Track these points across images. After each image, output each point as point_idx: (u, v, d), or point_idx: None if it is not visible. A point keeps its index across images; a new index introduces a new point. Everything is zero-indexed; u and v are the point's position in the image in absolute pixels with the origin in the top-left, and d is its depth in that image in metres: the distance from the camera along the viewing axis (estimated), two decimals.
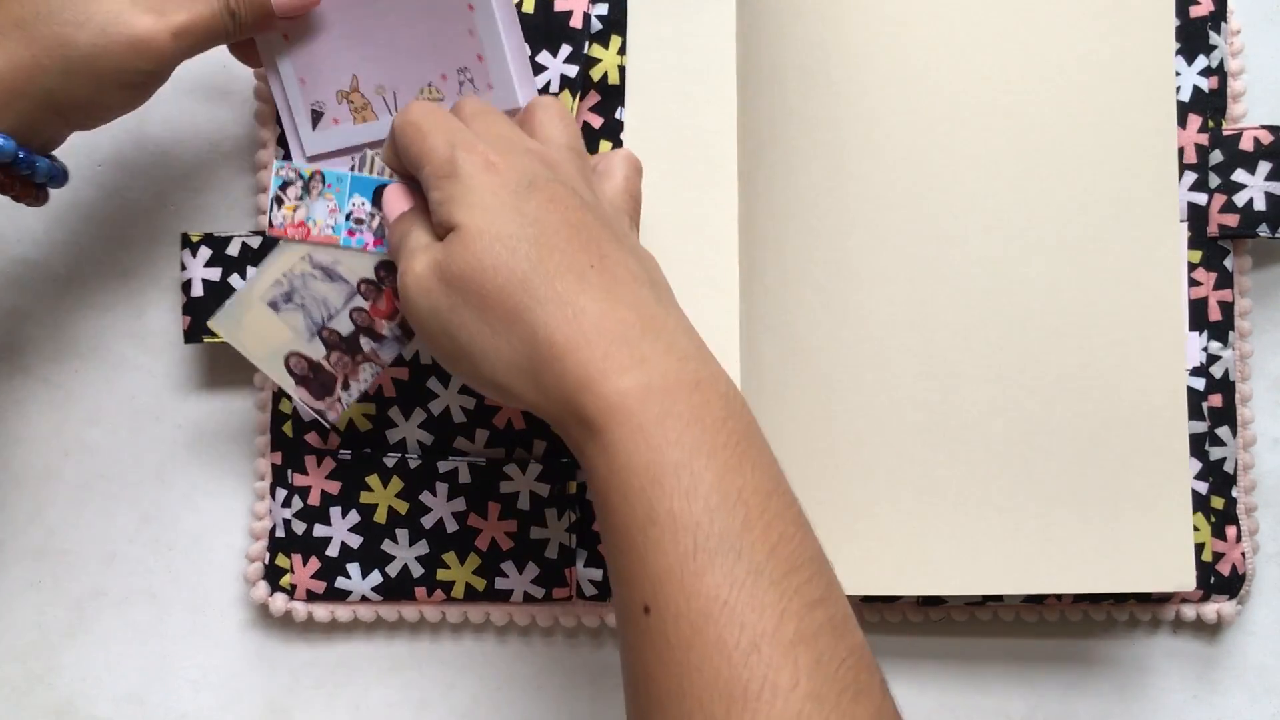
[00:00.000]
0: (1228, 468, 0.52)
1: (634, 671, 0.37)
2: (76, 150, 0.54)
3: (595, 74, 0.52)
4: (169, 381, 0.54)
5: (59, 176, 0.47)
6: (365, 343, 0.47)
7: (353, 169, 0.47)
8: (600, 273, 0.41)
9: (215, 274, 0.52)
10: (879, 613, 0.52)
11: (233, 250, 0.52)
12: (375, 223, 0.47)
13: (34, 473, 0.53)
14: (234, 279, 0.52)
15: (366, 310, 0.47)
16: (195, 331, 0.52)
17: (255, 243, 0.52)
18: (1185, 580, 0.48)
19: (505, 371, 0.40)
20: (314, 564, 0.51)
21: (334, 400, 0.47)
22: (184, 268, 0.52)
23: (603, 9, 0.52)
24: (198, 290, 0.52)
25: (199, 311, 0.51)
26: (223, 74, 0.55)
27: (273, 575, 0.52)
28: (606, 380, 0.38)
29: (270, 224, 0.47)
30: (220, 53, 0.54)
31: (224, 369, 0.54)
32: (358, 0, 0.48)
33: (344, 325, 0.47)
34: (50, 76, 0.44)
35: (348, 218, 0.47)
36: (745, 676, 0.34)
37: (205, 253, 0.52)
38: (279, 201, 0.47)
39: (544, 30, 0.51)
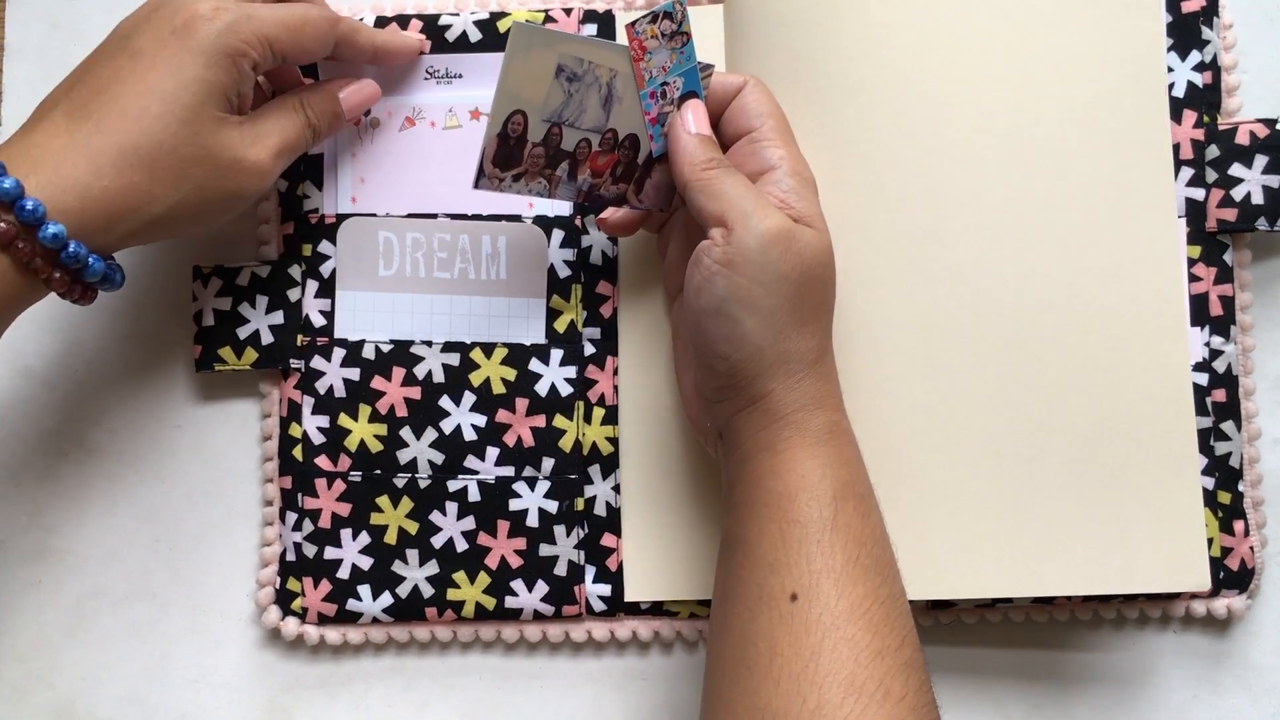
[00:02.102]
0: (1233, 462, 0.51)
1: (758, 647, 0.41)
2: None
3: None
4: (169, 381, 0.54)
5: (112, 280, 0.46)
6: (562, 169, 0.48)
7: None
8: (828, 333, 0.46)
9: (226, 303, 0.52)
10: None
11: (242, 280, 0.52)
12: (666, 109, 0.48)
13: (34, 473, 0.54)
14: (244, 308, 0.52)
15: (590, 151, 0.48)
16: (207, 360, 0.52)
17: (264, 272, 0.52)
18: (1200, 580, 0.48)
19: (778, 353, 0.44)
20: (325, 587, 0.52)
21: (498, 176, 0.47)
22: (195, 298, 0.53)
23: (592, 29, 0.53)
24: (209, 320, 0.52)
25: (210, 340, 0.52)
26: None
27: (284, 599, 0.52)
28: (836, 413, 0.45)
29: (633, 24, 0.46)
30: None
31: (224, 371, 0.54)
32: None
33: (569, 141, 0.47)
34: (160, 205, 0.45)
35: (662, 85, 0.47)
36: (864, 676, 0.39)
37: (216, 283, 0.52)
38: (654, 18, 0.46)
39: None
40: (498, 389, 0.52)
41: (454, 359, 0.52)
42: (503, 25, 0.53)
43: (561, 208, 0.52)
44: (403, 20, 0.53)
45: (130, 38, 0.45)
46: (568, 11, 0.53)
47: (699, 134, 0.47)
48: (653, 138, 0.48)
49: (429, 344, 0.52)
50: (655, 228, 0.51)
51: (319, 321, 0.52)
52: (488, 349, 0.52)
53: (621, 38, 0.49)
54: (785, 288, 0.43)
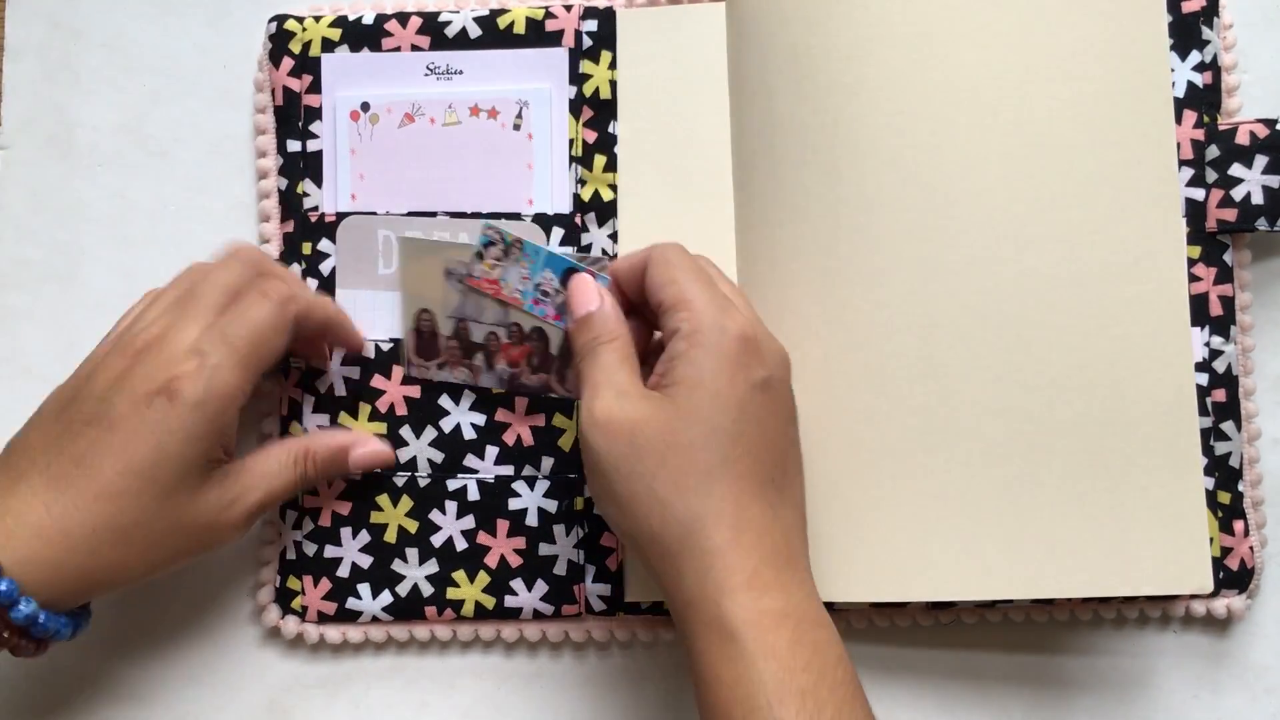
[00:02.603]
0: (1233, 462, 0.51)
1: None
2: (77, 149, 0.55)
3: (587, 89, 0.53)
4: None
5: (78, 630, 0.46)
6: (479, 359, 0.51)
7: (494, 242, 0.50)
8: (777, 490, 0.43)
9: None
10: (889, 618, 0.52)
11: None
12: (560, 299, 0.49)
13: None
14: None
15: (501, 342, 0.50)
16: None
17: None
18: (1202, 582, 0.48)
19: (648, 536, 0.43)
20: (325, 585, 0.52)
21: (424, 365, 0.51)
22: None
23: (592, 25, 0.53)
24: None
25: None
26: (223, 74, 0.55)
27: (284, 598, 0.52)
28: (749, 594, 0.41)
29: (469, 274, 0.50)
30: (220, 52, 0.55)
31: None
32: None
33: (477, 334, 0.51)
34: (132, 573, 0.45)
35: (536, 288, 0.49)
36: None
37: None
38: (480, 256, 0.50)
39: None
40: (576, 250, 0.52)
41: None
42: (502, 21, 0.53)
43: (562, 205, 0.52)
44: (402, 17, 0.53)
45: (105, 404, 0.44)
46: (568, 8, 0.53)
47: (576, 320, 0.46)
48: (555, 317, 0.50)
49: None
50: None
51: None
52: None
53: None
54: (623, 470, 0.42)
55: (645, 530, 0.42)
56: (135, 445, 0.43)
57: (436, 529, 0.52)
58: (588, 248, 0.52)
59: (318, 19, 0.53)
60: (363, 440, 0.51)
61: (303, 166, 0.53)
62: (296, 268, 0.52)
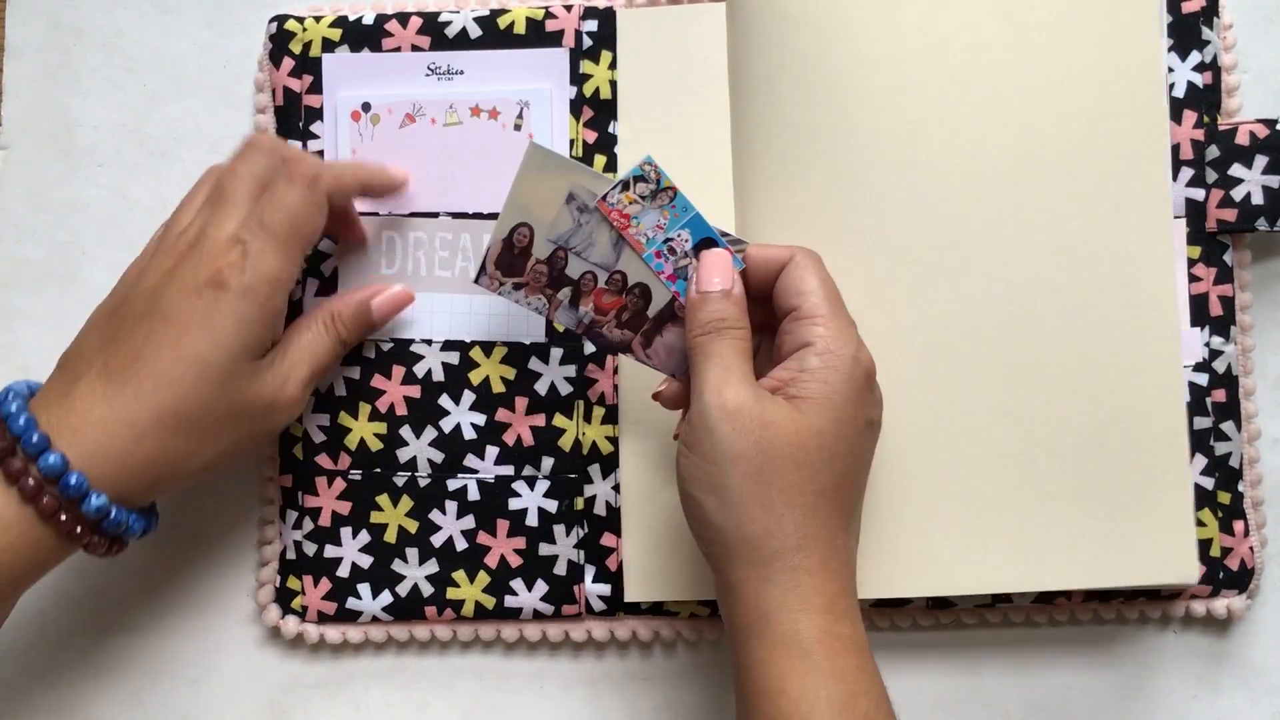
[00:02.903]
0: (1233, 462, 0.51)
1: None
2: (77, 149, 0.55)
3: (587, 89, 0.53)
4: None
5: (149, 529, 0.47)
6: (563, 293, 0.48)
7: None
8: (853, 522, 0.45)
9: None
10: (889, 617, 0.52)
11: None
12: (683, 262, 0.47)
13: None
14: None
15: (593, 284, 0.48)
16: None
17: None
18: (1189, 573, 0.48)
19: (743, 537, 0.42)
20: (325, 585, 0.52)
21: (500, 280, 0.48)
22: None
23: (592, 25, 0.53)
24: None
25: None
26: (223, 74, 0.55)
27: (284, 598, 0.52)
28: (827, 616, 0.42)
29: (604, 198, 0.47)
30: (220, 52, 0.55)
31: None
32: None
33: (574, 268, 0.48)
34: (199, 461, 0.45)
35: (665, 241, 0.47)
36: None
37: None
38: (625, 186, 0.46)
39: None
40: (497, 388, 0.52)
41: (453, 357, 0.52)
42: (503, 21, 0.53)
43: None
44: (402, 18, 0.53)
45: (159, 300, 0.45)
46: (568, 8, 0.53)
47: (702, 293, 0.45)
48: (678, 295, 0.47)
49: (429, 342, 0.52)
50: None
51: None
52: (487, 348, 0.52)
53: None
54: (742, 466, 0.42)
55: (745, 531, 0.42)
56: (190, 334, 0.44)
57: (436, 529, 0.52)
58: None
59: (318, 19, 0.53)
60: (378, 289, 0.51)
61: None
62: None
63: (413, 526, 0.52)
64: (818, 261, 0.46)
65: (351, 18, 0.53)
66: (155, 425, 0.44)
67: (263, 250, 0.45)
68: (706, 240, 0.46)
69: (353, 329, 0.50)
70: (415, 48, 0.53)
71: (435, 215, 0.52)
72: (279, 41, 0.53)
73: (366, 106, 0.53)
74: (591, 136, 0.53)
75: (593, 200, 0.46)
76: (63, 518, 0.43)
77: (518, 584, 0.52)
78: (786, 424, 0.42)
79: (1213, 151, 0.52)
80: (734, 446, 0.42)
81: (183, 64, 0.55)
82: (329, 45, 0.53)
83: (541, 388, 0.52)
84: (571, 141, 0.53)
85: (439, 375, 0.52)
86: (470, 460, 0.52)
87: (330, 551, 0.52)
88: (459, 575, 0.52)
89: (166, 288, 0.45)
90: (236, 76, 0.55)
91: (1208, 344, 0.51)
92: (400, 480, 0.52)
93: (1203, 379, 0.51)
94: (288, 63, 0.53)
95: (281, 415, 0.47)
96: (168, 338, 0.44)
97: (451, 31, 0.53)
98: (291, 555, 0.52)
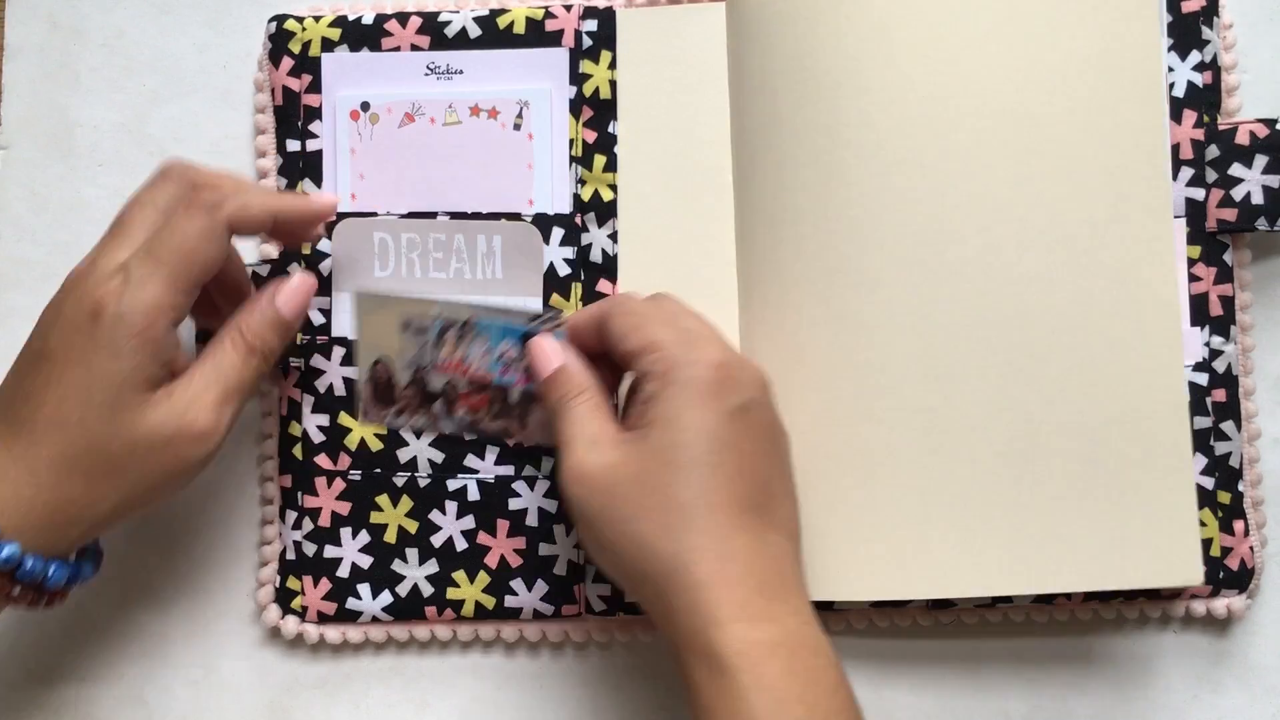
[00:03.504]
0: (1233, 462, 0.51)
1: None
2: (77, 149, 0.55)
3: (587, 89, 0.53)
4: None
5: (79, 577, 0.45)
6: (438, 407, 0.51)
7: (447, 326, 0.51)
8: (761, 515, 0.43)
9: None
10: (889, 618, 0.52)
11: None
12: (524, 363, 0.50)
13: None
14: None
15: (460, 391, 0.51)
16: None
17: (264, 271, 0.52)
18: (1193, 575, 0.48)
19: (639, 578, 0.43)
20: (325, 585, 0.52)
21: (381, 412, 0.52)
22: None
23: (592, 25, 0.53)
24: None
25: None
26: (223, 74, 0.55)
27: (284, 598, 0.52)
28: (738, 625, 0.40)
29: (434, 361, 0.51)
30: (220, 52, 0.55)
31: None
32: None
33: (435, 383, 0.51)
34: (105, 503, 0.44)
35: (499, 359, 0.50)
36: None
37: None
38: (439, 343, 0.50)
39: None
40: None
41: None
42: (502, 21, 0.53)
43: (562, 205, 0.52)
44: (402, 17, 0.53)
45: (46, 336, 0.44)
46: (568, 8, 0.53)
47: (542, 382, 0.47)
48: (524, 381, 0.51)
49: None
50: None
51: (318, 320, 0.52)
52: None
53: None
54: (604, 518, 0.43)
55: (635, 572, 0.43)
56: (70, 370, 0.43)
57: (436, 529, 0.52)
58: (588, 247, 0.52)
59: (318, 19, 0.53)
60: (276, 286, 0.48)
61: (302, 166, 0.53)
62: (296, 267, 0.52)
63: (413, 527, 0.52)
64: (632, 299, 0.46)
65: (351, 17, 0.53)
66: (50, 469, 0.43)
67: (144, 279, 0.43)
68: (525, 335, 0.50)
69: (265, 336, 0.47)
70: (415, 47, 0.53)
71: (434, 215, 0.52)
72: (278, 41, 0.53)
73: (365, 106, 0.53)
74: (591, 136, 0.53)
75: (426, 320, 0.50)
76: None
77: (518, 584, 0.52)
78: (630, 460, 0.43)
79: (1213, 151, 0.52)
80: (590, 507, 0.43)
81: (183, 64, 0.55)
82: (328, 45, 0.53)
83: None
84: (571, 141, 0.53)
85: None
86: (470, 460, 0.52)
87: (330, 552, 0.52)
88: (459, 575, 0.52)
89: (53, 324, 0.44)
90: (236, 76, 0.55)
91: (1208, 344, 0.51)
92: (400, 480, 0.52)
93: (1202, 379, 0.51)
94: (287, 62, 0.53)
95: (194, 447, 0.44)
96: (53, 376, 0.43)
97: (451, 31, 0.53)
98: (291, 555, 0.52)
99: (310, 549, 0.52)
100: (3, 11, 0.56)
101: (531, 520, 0.52)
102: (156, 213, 0.45)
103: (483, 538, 0.52)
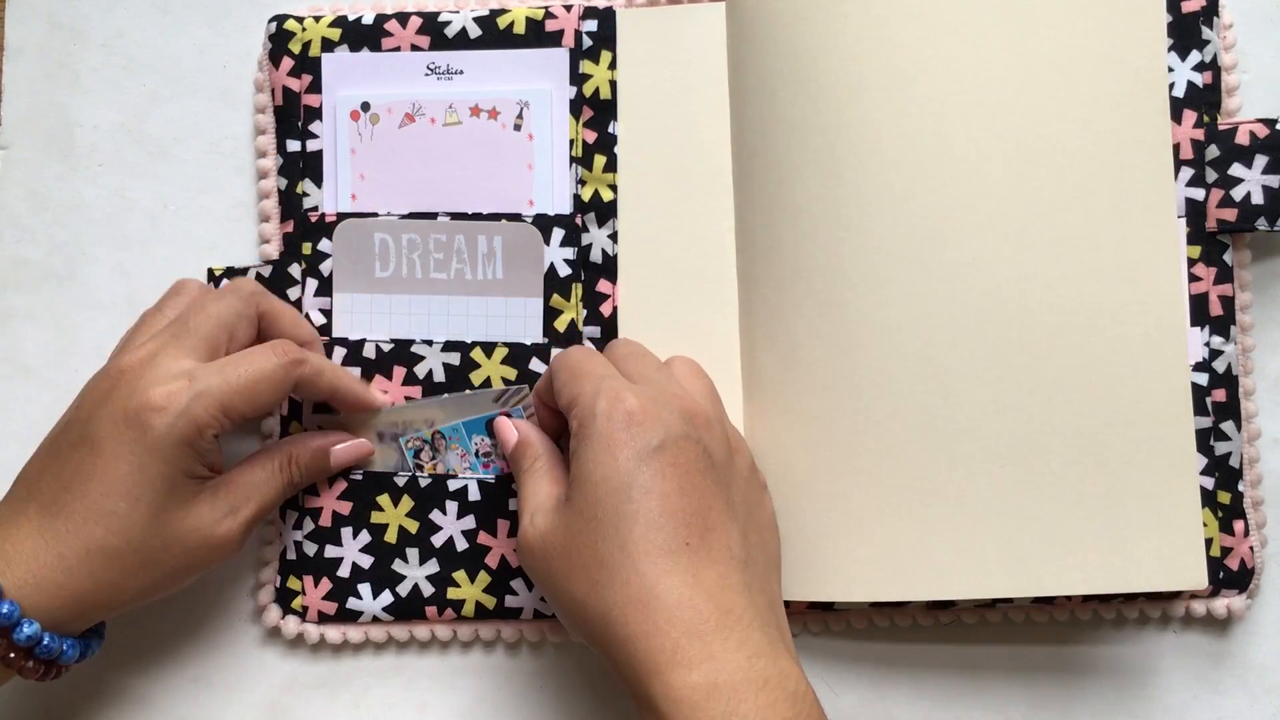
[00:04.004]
0: (1233, 462, 0.51)
1: None
2: (77, 149, 0.55)
3: (587, 89, 0.53)
4: None
5: (88, 654, 0.47)
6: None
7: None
8: (693, 552, 0.42)
9: None
10: (889, 617, 0.52)
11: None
12: (493, 451, 0.52)
13: None
14: None
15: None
16: None
17: (267, 272, 0.52)
18: (1197, 578, 0.48)
19: (585, 638, 0.43)
20: (325, 585, 0.52)
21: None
22: None
23: (592, 25, 0.53)
24: None
25: None
26: (223, 74, 0.55)
27: (284, 598, 0.52)
28: (674, 672, 0.40)
29: (417, 471, 0.52)
30: (220, 52, 0.55)
31: None
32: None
33: (449, 462, 0.52)
34: (130, 593, 0.45)
35: (477, 455, 0.52)
36: None
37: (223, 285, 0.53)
38: (419, 467, 0.51)
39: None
40: (498, 388, 0.52)
41: (454, 358, 0.52)
42: (502, 21, 0.53)
43: (563, 205, 0.52)
44: (402, 17, 0.53)
45: (89, 425, 0.44)
46: (568, 8, 0.53)
47: (509, 456, 0.49)
48: (507, 468, 0.52)
49: (429, 343, 0.52)
50: None
51: (319, 320, 0.52)
52: (488, 348, 0.52)
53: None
54: (549, 584, 0.44)
55: (582, 633, 0.43)
56: (117, 465, 0.44)
57: (437, 529, 0.52)
58: (588, 248, 0.52)
59: (318, 19, 0.53)
60: (340, 438, 0.51)
61: (302, 166, 0.53)
62: (297, 267, 0.52)
63: (413, 527, 0.52)
64: (572, 354, 0.47)
65: (351, 17, 0.53)
66: (84, 559, 0.44)
67: (206, 394, 0.44)
68: (488, 422, 0.51)
69: (307, 475, 0.50)
70: (415, 47, 0.53)
71: (434, 215, 0.52)
72: (278, 41, 0.53)
73: (366, 106, 0.53)
74: (591, 136, 0.53)
75: (397, 428, 0.52)
76: None
77: (518, 584, 0.52)
78: (558, 525, 0.44)
79: (1213, 151, 0.52)
80: (536, 573, 0.45)
81: (183, 64, 0.55)
82: (328, 45, 0.53)
83: None
84: (571, 141, 0.53)
85: (440, 376, 0.52)
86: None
87: (331, 551, 0.52)
88: (459, 575, 0.52)
89: (95, 417, 0.44)
90: (236, 76, 0.55)
91: (1208, 344, 0.51)
92: (401, 480, 0.52)
93: (1203, 379, 0.51)
94: (287, 62, 0.53)
95: (220, 552, 0.47)
96: (98, 468, 0.44)
97: (451, 31, 0.53)
98: (292, 555, 0.52)
99: (311, 549, 0.52)
100: (3, 11, 0.56)
101: None
102: (219, 327, 0.47)
103: (483, 538, 0.52)
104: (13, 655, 0.43)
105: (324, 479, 0.51)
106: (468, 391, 0.52)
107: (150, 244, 0.55)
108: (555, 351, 0.49)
